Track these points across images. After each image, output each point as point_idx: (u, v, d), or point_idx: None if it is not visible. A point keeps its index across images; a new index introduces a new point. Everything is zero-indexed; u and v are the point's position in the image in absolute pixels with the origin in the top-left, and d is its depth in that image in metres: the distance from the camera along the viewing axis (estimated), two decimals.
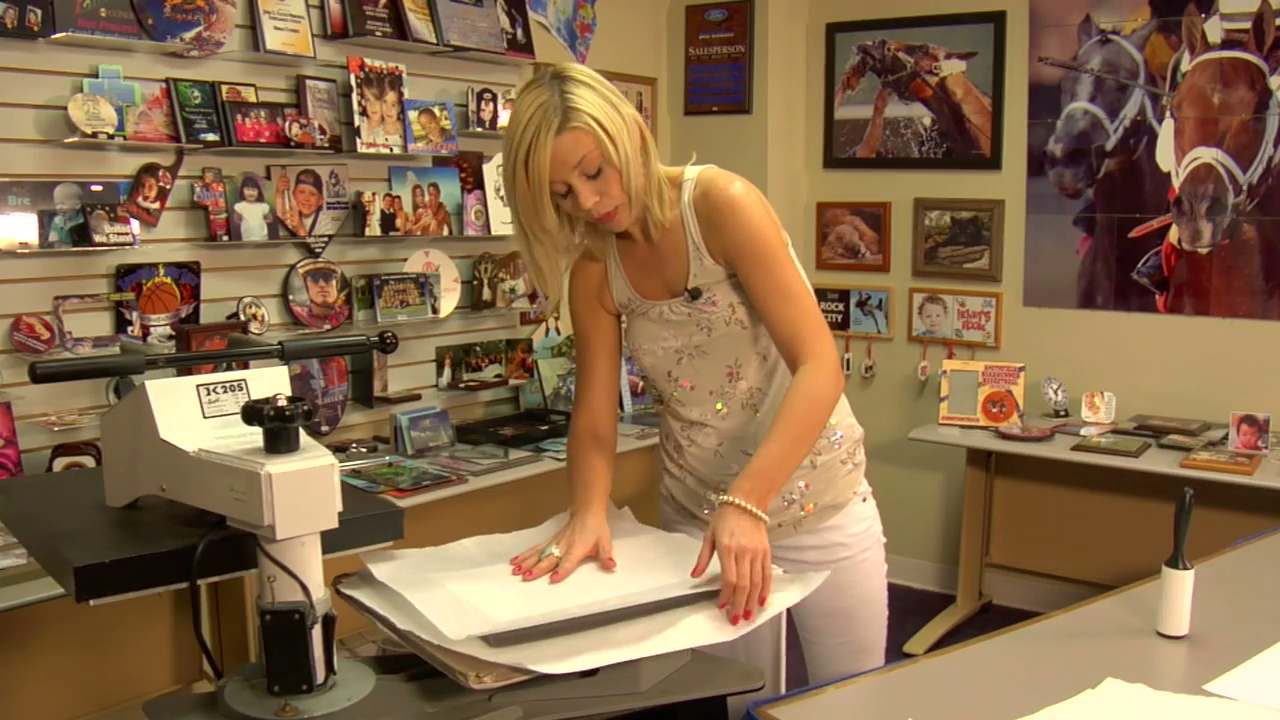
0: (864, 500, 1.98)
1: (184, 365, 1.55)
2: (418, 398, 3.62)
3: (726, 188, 1.78)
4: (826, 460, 1.91)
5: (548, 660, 1.36)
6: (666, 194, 1.81)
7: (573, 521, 1.75)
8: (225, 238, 3.09)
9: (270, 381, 1.46)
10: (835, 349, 1.79)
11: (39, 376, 1.42)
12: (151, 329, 2.97)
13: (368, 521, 1.51)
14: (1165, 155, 3.90)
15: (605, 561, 1.68)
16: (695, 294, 1.83)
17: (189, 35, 2.95)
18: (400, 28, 3.44)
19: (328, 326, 3.38)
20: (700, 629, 1.50)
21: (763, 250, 1.77)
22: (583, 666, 1.37)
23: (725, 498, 1.63)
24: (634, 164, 1.70)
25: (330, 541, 1.37)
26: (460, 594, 1.50)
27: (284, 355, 1.59)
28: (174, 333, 2.99)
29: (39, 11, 2.66)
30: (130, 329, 2.93)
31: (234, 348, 1.62)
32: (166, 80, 2.97)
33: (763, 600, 1.55)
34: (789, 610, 1.68)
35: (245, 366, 1.54)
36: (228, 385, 1.44)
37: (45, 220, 2.74)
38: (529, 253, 1.78)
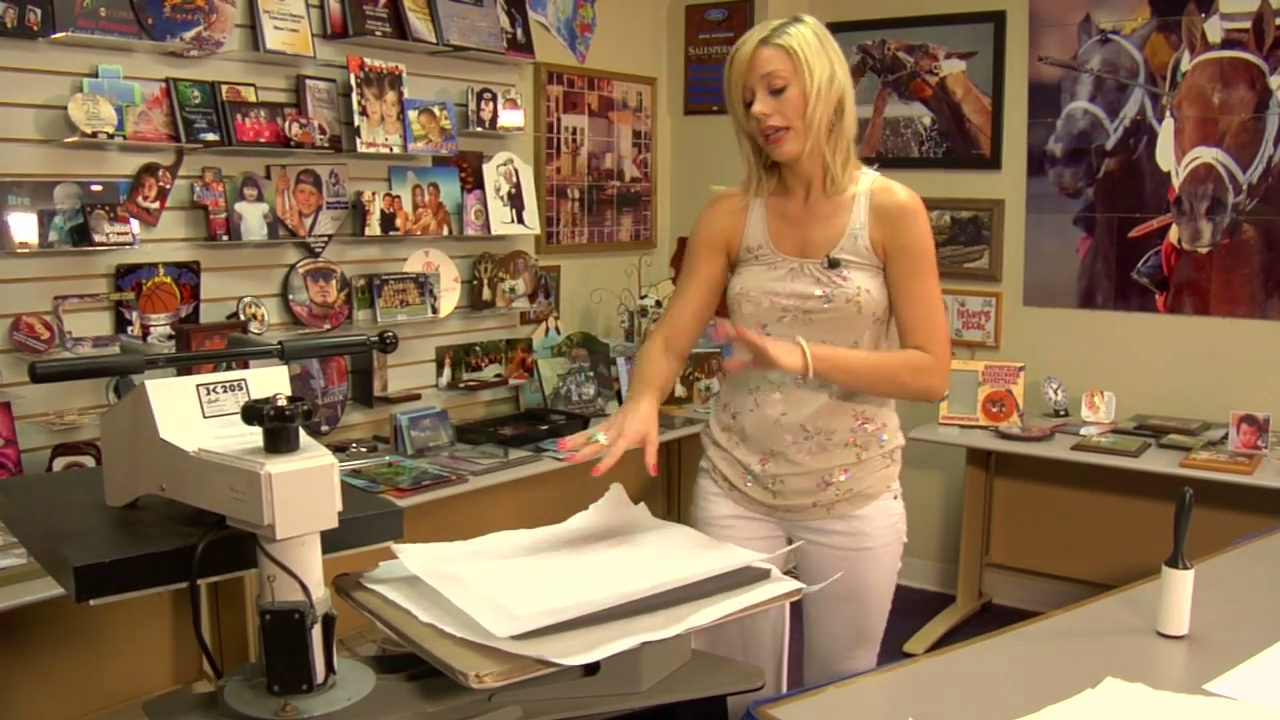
0: (895, 498, 2.05)
1: (184, 365, 1.55)
2: (417, 397, 3.62)
3: (908, 192, 1.96)
4: (870, 457, 1.99)
5: (571, 653, 1.35)
6: (852, 167, 1.96)
7: (625, 406, 1.88)
8: (225, 237, 3.08)
9: (270, 381, 1.46)
10: (949, 364, 1.96)
11: (39, 376, 1.42)
12: (151, 329, 2.97)
13: (367, 521, 1.51)
14: (1165, 155, 3.90)
15: (648, 460, 1.79)
16: (834, 263, 1.93)
17: (189, 35, 2.95)
18: (400, 27, 3.44)
19: (328, 326, 3.38)
20: (716, 610, 1.51)
21: (924, 257, 1.93)
22: (604, 655, 1.37)
23: (800, 339, 1.85)
24: (821, 104, 1.86)
25: (330, 541, 1.37)
26: (491, 590, 1.50)
27: (284, 355, 1.59)
28: (174, 332, 2.99)
29: (39, 11, 2.66)
30: (130, 329, 2.93)
31: (234, 347, 1.62)
32: (166, 80, 2.97)
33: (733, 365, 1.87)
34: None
35: (245, 366, 1.54)
36: (228, 385, 1.44)
37: (45, 220, 2.74)
38: (739, 140, 1.99)
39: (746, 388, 2.01)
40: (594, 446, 1.74)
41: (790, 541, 2.02)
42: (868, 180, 1.97)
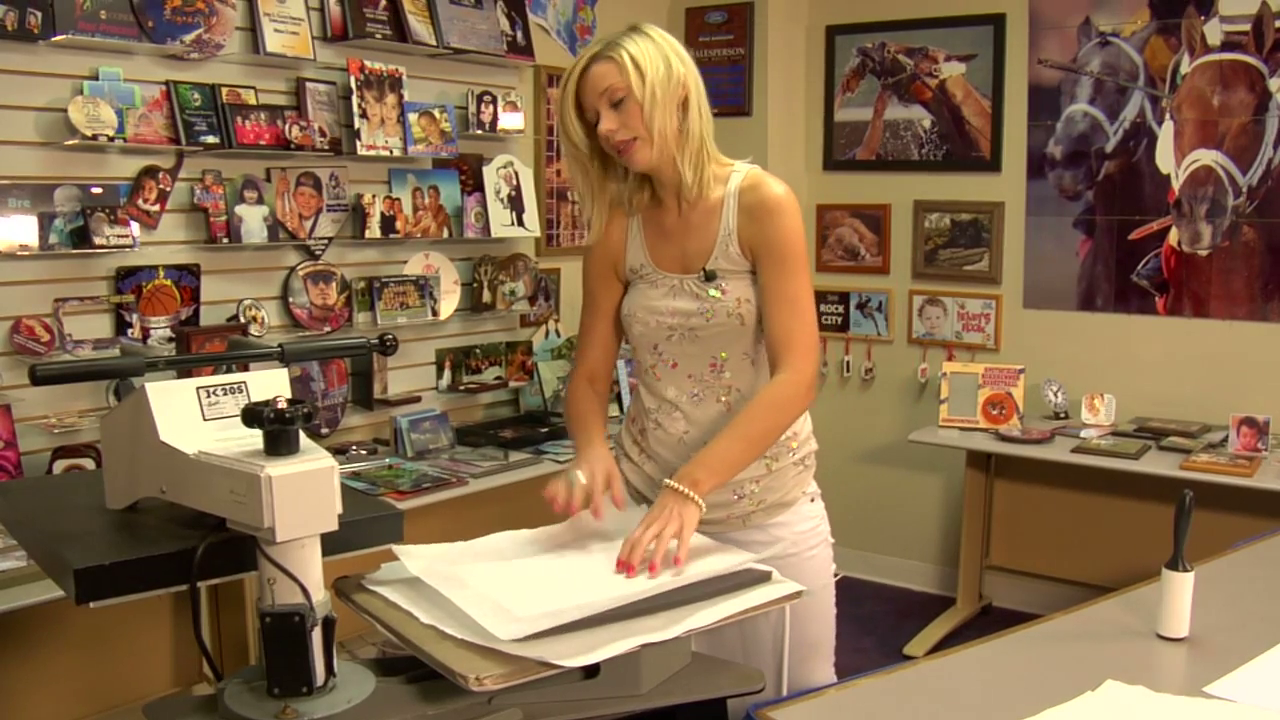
0: (812, 500, 2.02)
1: (184, 367, 1.55)
2: (418, 400, 3.62)
3: (777, 186, 1.88)
4: (781, 467, 1.96)
5: (571, 655, 1.35)
6: (708, 167, 1.88)
7: (584, 453, 1.89)
8: (225, 240, 3.09)
9: (270, 384, 1.46)
10: (816, 367, 1.89)
11: (39, 379, 1.42)
12: (151, 331, 2.97)
13: (368, 524, 1.51)
14: (1165, 157, 3.90)
15: (615, 496, 1.81)
16: (710, 276, 1.88)
17: (189, 38, 2.96)
18: (400, 30, 3.44)
19: (328, 329, 3.38)
20: (716, 612, 1.51)
21: (789, 255, 1.85)
22: (604, 657, 1.37)
23: (669, 482, 1.74)
24: (660, 106, 1.80)
25: (331, 544, 1.37)
26: (492, 591, 1.50)
27: (284, 357, 1.59)
28: (174, 335, 2.99)
29: (39, 14, 2.66)
30: (130, 331, 2.93)
31: (234, 350, 1.62)
32: (166, 82, 2.97)
33: (652, 568, 1.60)
34: None
35: (245, 369, 1.54)
36: (228, 387, 1.44)
37: (45, 222, 2.74)
38: (569, 168, 1.93)
39: (648, 406, 1.99)
40: (580, 489, 1.77)
41: None
42: (737, 178, 1.89)
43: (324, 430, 3.38)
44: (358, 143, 3.35)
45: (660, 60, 1.83)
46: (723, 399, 1.93)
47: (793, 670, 1.96)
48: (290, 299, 3.31)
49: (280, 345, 1.60)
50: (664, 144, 1.82)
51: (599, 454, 1.87)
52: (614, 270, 2.01)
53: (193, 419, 1.40)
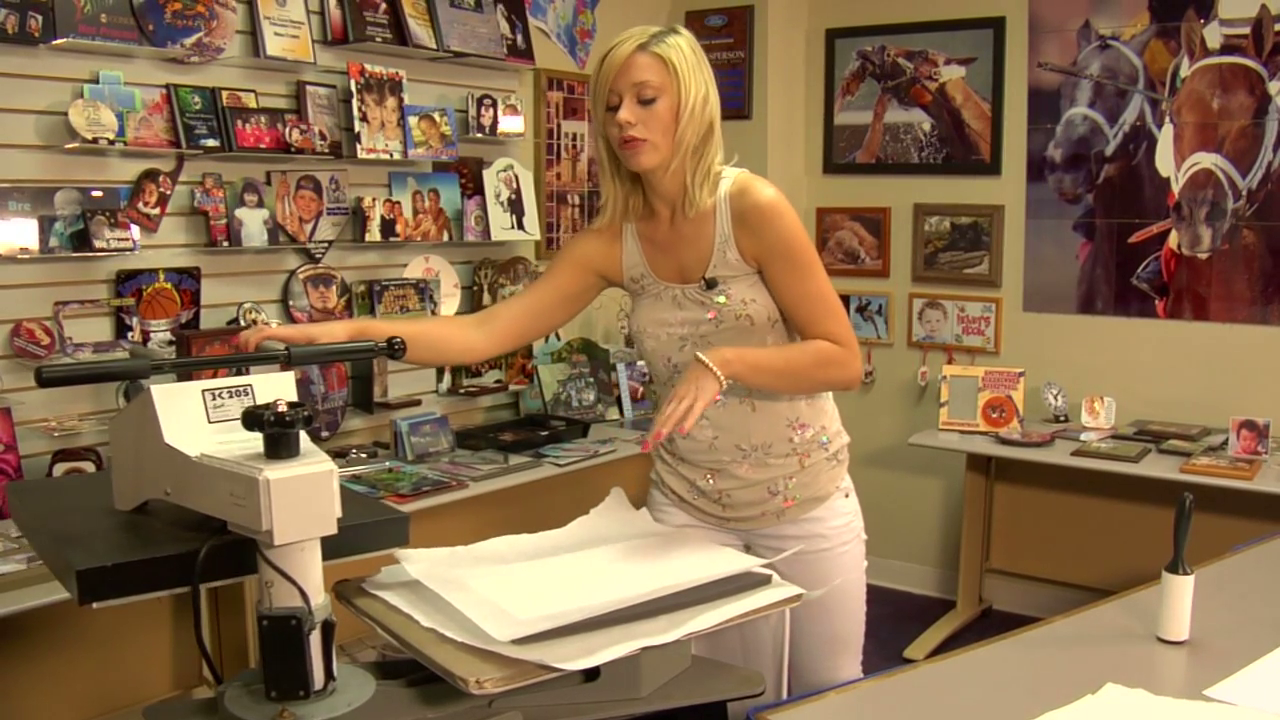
0: (846, 495, 2.03)
1: (189, 370, 1.55)
2: (418, 403, 3.62)
3: (766, 189, 1.85)
4: (814, 462, 1.96)
5: (571, 658, 1.35)
6: (711, 185, 1.86)
7: (324, 322, 1.82)
8: (225, 243, 3.09)
9: (275, 387, 1.46)
10: (860, 358, 1.89)
11: (45, 380, 1.42)
12: (152, 334, 2.97)
13: (374, 527, 1.51)
14: (1165, 160, 3.91)
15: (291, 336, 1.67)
16: (711, 284, 1.88)
17: (189, 41, 2.96)
18: (400, 33, 3.44)
19: None
20: (716, 615, 1.51)
21: (797, 256, 1.84)
22: (604, 660, 1.37)
23: (699, 355, 1.76)
24: (692, 124, 1.80)
25: (337, 547, 1.37)
26: (492, 594, 1.50)
27: (289, 360, 1.59)
28: (174, 338, 2.99)
29: (40, 17, 2.67)
30: (130, 334, 2.93)
31: (239, 353, 1.62)
32: (167, 86, 2.97)
33: (657, 435, 1.70)
34: None
35: (248, 372, 1.54)
36: (233, 390, 1.44)
37: (46, 225, 2.74)
38: (598, 145, 1.91)
39: None
40: (257, 330, 1.65)
41: (749, 549, 2.00)
42: (725, 184, 1.87)
43: (324, 433, 3.38)
44: (358, 146, 3.35)
45: (702, 80, 1.82)
46: (746, 400, 1.92)
47: (819, 666, 1.98)
48: (290, 302, 3.31)
49: (287, 348, 1.60)
50: (682, 161, 1.82)
51: (325, 327, 1.73)
52: (592, 266, 1.99)
53: (198, 421, 1.40)
